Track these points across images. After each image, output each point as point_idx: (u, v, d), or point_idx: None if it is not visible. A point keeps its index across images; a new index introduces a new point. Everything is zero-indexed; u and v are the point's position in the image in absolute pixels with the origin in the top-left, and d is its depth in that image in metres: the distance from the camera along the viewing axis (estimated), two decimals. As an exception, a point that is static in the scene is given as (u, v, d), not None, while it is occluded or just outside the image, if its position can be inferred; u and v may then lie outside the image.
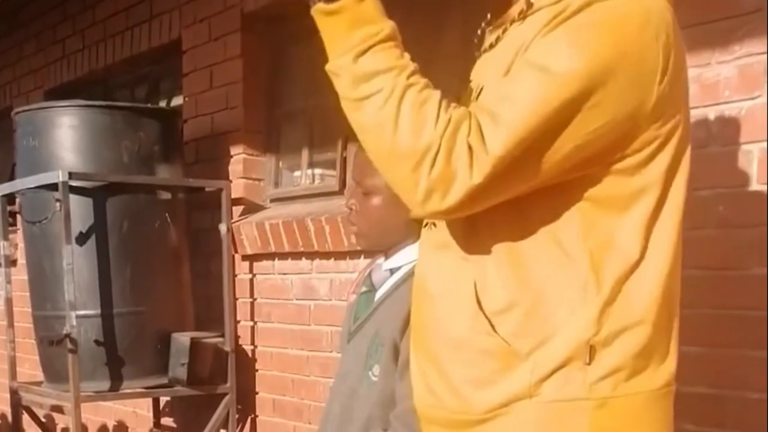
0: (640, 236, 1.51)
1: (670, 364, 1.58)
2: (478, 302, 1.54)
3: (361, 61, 1.46)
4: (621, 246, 1.51)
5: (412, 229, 2.06)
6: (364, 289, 2.20)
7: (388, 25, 1.50)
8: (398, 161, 1.45)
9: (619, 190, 1.50)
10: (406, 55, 1.51)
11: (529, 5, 1.56)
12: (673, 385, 1.60)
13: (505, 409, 1.53)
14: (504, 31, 1.63)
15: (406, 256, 2.10)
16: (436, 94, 1.47)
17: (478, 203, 1.46)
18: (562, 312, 1.50)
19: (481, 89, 1.59)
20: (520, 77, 1.45)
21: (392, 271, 2.13)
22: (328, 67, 1.51)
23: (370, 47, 1.47)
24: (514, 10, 1.61)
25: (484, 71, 1.66)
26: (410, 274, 2.01)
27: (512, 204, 1.50)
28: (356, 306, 2.21)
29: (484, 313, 1.54)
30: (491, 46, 1.66)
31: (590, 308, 1.49)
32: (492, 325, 1.53)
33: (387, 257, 2.16)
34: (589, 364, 1.49)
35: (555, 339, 1.50)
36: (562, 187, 1.50)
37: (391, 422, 1.99)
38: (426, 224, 1.72)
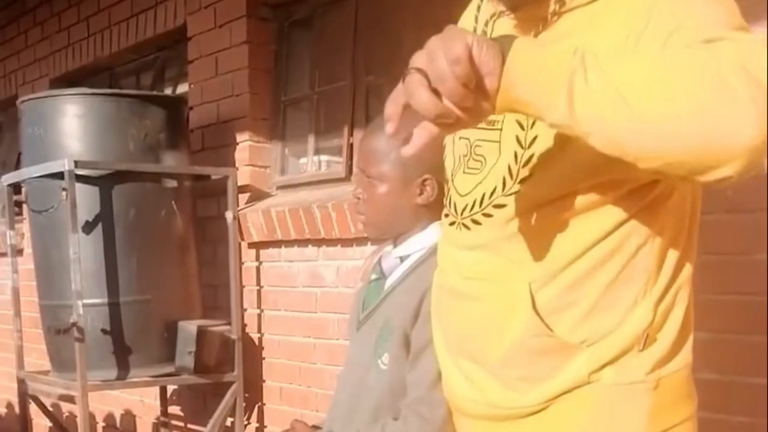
0: (684, 226, 1.55)
1: (690, 339, 1.62)
2: (533, 304, 1.52)
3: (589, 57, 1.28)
4: (673, 238, 1.53)
5: (420, 216, 2.05)
6: (373, 276, 2.18)
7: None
8: (711, 113, 1.21)
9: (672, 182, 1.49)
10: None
11: (562, 3, 1.51)
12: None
13: (563, 397, 1.54)
14: (535, 33, 1.55)
15: (416, 244, 2.08)
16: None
17: None
18: (622, 308, 1.51)
19: None
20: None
21: (402, 259, 2.11)
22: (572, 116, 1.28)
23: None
24: (543, 10, 1.53)
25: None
26: (421, 262, 2.01)
27: (573, 211, 1.49)
28: (365, 294, 2.19)
29: (539, 315, 1.52)
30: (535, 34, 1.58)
31: (648, 301, 1.52)
32: (548, 326, 1.52)
33: (396, 245, 2.14)
34: (642, 350, 1.52)
35: (616, 332, 1.52)
36: (627, 193, 1.48)
37: (402, 411, 1.98)
38: (453, 223, 1.68)
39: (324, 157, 4.42)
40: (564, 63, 1.25)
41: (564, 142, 1.43)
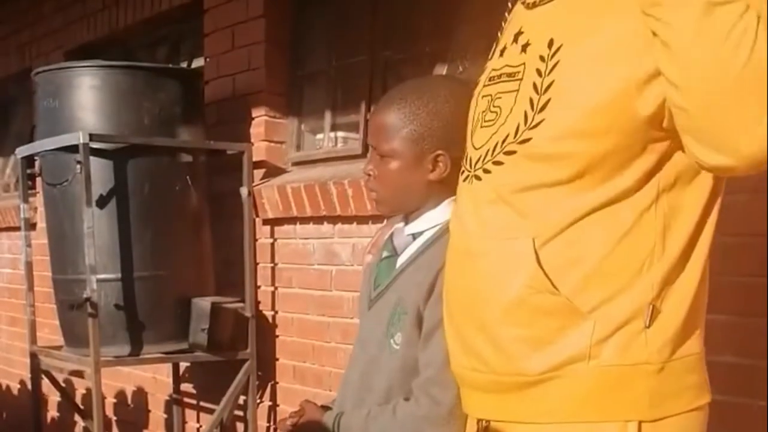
0: (701, 204, 1.53)
1: (703, 328, 1.61)
2: (538, 259, 1.51)
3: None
4: (687, 213, 1.52)
5: (432, 192, 2.03)
6: (385, 254, 2.15)
7: None
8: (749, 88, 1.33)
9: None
10: None
11: None
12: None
13: (559, 372, 1.52)
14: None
15: (429, 221, 2.06)
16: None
17: None
18: (627, 272, 1.50)
19: (559, 47, 1.53)
20: None
21: (415, 236, 2.08)
22: None
23: None
24: None
25: (545, 23, 1.60)
26: (434, 240, 1.99)
27: (583, 166, 1.49)
28: (376, 271, 2.16)
29: (544, 271, 1.50)
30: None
31: (655, 272, 1.50)
32: (553, 283, 1.50)
33: (408, 221, 2.11)
34: (648, 327, 1.49)
35: (618, 298, 1.49)
36: (643, 155, 1.49)
37: (413, 391, 1.96)
38: (466, 177, 1.68)
39: (341, 133, 4.38)
40: None
41: (580, 86, 1.47)
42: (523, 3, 1.70)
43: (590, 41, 1.49)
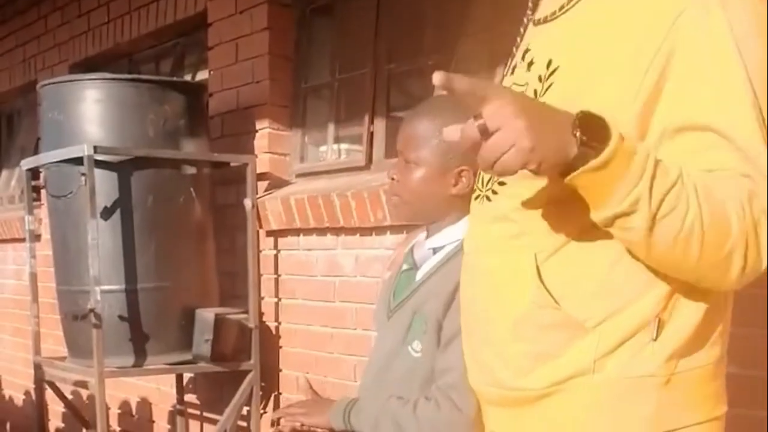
0: None
1: (724, 338, 1.58)
2: (539, 274, 1.50)
3: (654, 185, 1.34)
4: None
5: (452, 206, 2.05)
6: (405, 266, 2.17)
7: (645, 145, 1.40)
8: (707, 269, 1.40)
9: None
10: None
11: None
12: (726, 359, 1.60)
13: (564, 386, 1.51)
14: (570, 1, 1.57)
15: (449, 236, 2.08)
16: (712, 178, 1.38)
17: None
18: (631, 287, 1.48)
19: (556, 68, 1.52)
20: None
21: (435, 251, 2.10)
22: (616, 210, 1.35)
23: (654, 171, 1.34)
24: None
25: (547, 42, 1.59)
26: (454, 254, 2.00)
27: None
28: (396, 283, 2.18)
29: (545, 286, 1.50)
30: (553, 15, 1.60)
31: (660, 285, 1.47)
32: (554, 299, 1.50)
33: (429, 235, 2.14)
34: (655, 340, 1.48)
35: (623, 312, 1.48)
36: None
37: (434, 393, 1.98)
38: (477, 197, 1.69)
39: (344, 146, 4.40)
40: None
41: (574, 95, 1.45)
42: (532, 19, 1.69)
43: (584, 66, 1.48)
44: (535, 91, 1.55)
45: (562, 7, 1.58)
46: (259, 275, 4.41)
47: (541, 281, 1.50)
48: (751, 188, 1.36)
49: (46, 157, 4.16)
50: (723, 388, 1.59)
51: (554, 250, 1.50)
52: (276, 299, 4.42)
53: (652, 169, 1.33)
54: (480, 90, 1.32)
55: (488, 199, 1.63)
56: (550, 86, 1.52)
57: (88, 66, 5.98)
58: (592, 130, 1.31)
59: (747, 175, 1.37)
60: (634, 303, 1.47)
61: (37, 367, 4.50)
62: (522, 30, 1.73)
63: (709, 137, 1.39)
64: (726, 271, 1.39)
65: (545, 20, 1.63)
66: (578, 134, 1.31)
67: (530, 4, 1.68)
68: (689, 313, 1.49)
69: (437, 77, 1.30)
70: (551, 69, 1.53)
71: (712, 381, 1.55)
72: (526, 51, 1.63)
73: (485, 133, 1.29)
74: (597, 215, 1.38)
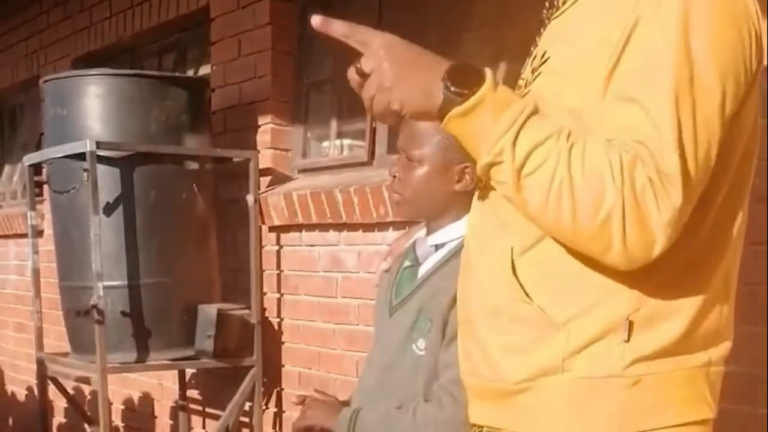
0: (698, 221, 1.45)
1: (721, 344, 1.55)
2: (513, 268, 1.50)
3: (520, 138, 1.35)
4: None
5: (455, 203, 2.05)
6: (407, 263, 2.17)
7: (527, 101, 1.41)
8: (585, 238, 1.38)
9: None
10: (555, 119, 1.41)
11: None
12: (720, 366, 1.56)
13: (534, 383, 1.50)
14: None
15: (451, 233, 2.08)
16: (595, 140, 1.36)
17: (678, 228, 1.37)
18: (603, 286, 1.45)
19: (547, 59, 1.53)
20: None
21: (437, 247, 2.10)
22: (486, 160, 1.38)
23: (524, 124, 1.36)
24: None
25: (548, 37, 1.60)
26: (457, 251, 2.00)
27: None
28: (398, 280, 2.18)
29: (519, 280, 1.50)
30: (559, 11, 1.60)
31: (635, 287, 1.44)
32: (526, 293, 1.49)
33: (430, 232, 2.13)
34: (627, 341, 1.45)
35: (594, 312, 1.46)
36: None
37: (435, 392, 1.98)
38: (479, 192, 1.67)
39: (346, 141, 4.39)
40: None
41: (558, 80, 1.47)
42: (548, 17, 1.69)
43: (570, 51, 1.48)
44: (527, 83, 1.56)
45: (565, 1, 1.59)
46: (262, 271, 4.41)
47: (515, 275, 1.50)
48: (640, 154, 1.32)
49: (49, 152, 4.16)
50: (711, 393, 1.54)
51: (530, 245, 1.50)
52: (278, 295, 4.42)
53: (522, 122, 1.35)
54: (359, 34, 1.44)
55: (486, 196, 1.62)
56: (538, 75, 1.54)
57: (90, 61, 5.97)
58: (468, 80, 1.38)
59: (640, 141, 1.33)
60: (604, 302, 1.45)
61: (40, 363, 4.50)
62: (542, 29, 1.72)
63: (627, 109, 1.38)
64: (608, 242, 1.34)
65: (555, 16, 1.63)
66: (446, 80, 1.37)
67: (546, 3, 1.67)
68: (668, 317, 1.46)
69: (315, 20, 1.41)
70: (543, 59, 1.54)
71: (690, 385, 1.51)
72: (536, 46, 1.64)
73: (362, 75, 1.39)
74: (478, 167, 1.42)
